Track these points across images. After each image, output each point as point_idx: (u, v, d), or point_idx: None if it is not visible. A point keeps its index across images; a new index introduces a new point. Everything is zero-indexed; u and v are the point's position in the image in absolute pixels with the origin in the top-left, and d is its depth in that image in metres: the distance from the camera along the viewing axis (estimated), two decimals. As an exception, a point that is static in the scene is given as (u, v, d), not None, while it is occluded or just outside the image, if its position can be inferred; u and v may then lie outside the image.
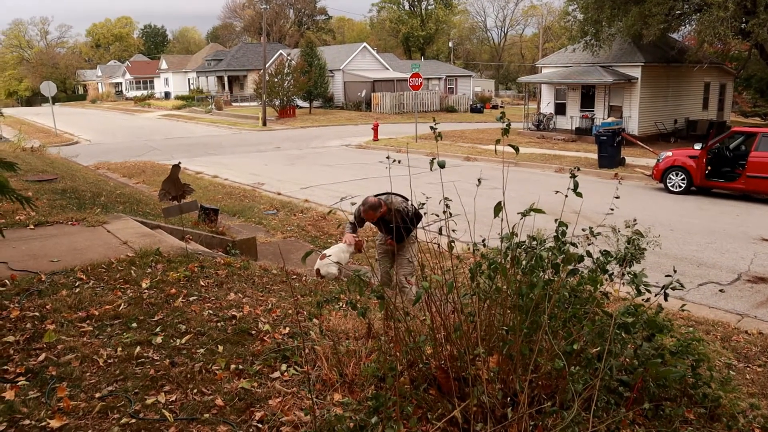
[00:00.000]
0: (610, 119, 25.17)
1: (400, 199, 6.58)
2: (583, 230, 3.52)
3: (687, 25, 25.55)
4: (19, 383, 3.52)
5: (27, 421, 3.13)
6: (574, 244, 3.40)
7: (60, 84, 77.71)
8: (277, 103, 40.67)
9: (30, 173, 11.95)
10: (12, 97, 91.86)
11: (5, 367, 3.72)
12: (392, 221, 6.43)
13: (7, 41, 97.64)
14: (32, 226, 7.38)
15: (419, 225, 6.57)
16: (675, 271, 3.58)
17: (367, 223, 7.00)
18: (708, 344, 5.49)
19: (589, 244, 3.44)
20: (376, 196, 6.63)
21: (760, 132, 14.56)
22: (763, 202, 13.98)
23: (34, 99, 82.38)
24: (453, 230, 3.32)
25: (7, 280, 5.21)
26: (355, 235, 6.97)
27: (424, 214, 3.52)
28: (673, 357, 3.48)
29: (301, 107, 45.22)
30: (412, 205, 6.62)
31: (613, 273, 3.48)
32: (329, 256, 7.05)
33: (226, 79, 60.02)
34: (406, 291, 6.38)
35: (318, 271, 7.23)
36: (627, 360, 3.43)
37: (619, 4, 23.16)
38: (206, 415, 3.27)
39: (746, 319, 7.22)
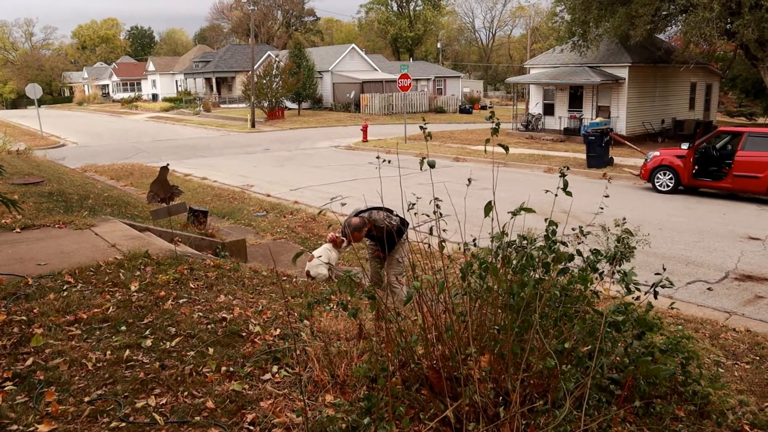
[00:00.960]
0: (598, 119, 25.32)
1: (384, 214, 6.53)
2: (573, 229, 3.53)
3: (673, 26, 25.71)
4: (7, 388, 3.49)
5: (15, 427, 3.10)
6: (564, 243, 3.41)
7: (46, 86, 77.08)
8: (266, 104, 40.55)
9: (16, 176, 11.85)
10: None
11: (-8, 372, 3.68)
12: (378, 234, 6.43)
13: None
14: (18, 230, 7.32)
15: (413, 222, 6.56)
16: (664, 269, 3.60)
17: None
18: (697, 342, 5.53)
19: (579, 243, 3.45)
20: (358, 214, 6.58)
21: (746, 131, 14.69)
22: (749, 200, 14.10)
23: (20, 101, 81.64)
24: (444, 230, 3.32)
25: (-7, 284, 5.15)
26: (337, 235, 6.99)
27: (414, 214, 3.51)
28: (663, 355, 3.50)
29: (289, 109, 45.13)
30: (396, 216, 6.59)
31: (603, 272, 3.50)
32: (319, 257, 7.04)
33: (214, 80, 59.79)
34: (397, 291, 6.38)
35: (308, 272, 7.22)
36: (618, 358, 3.45)
37: (606, 4, 23.29)
38: (197, 418, 3.25)
39: (734, 317, 7.27)
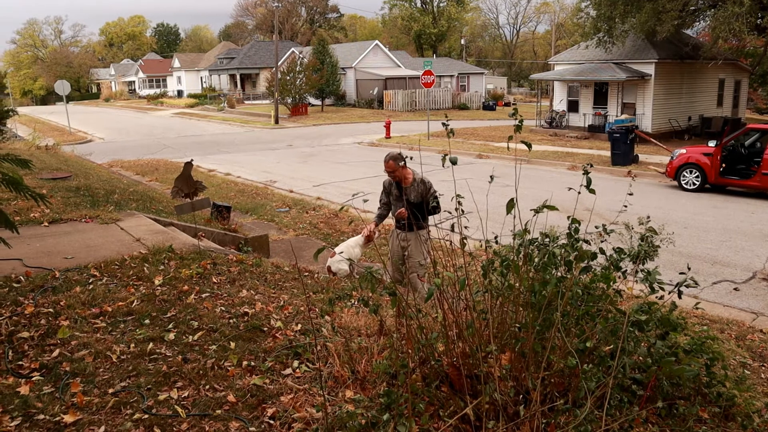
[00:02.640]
0: (623, 116, 24.99)
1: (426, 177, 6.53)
2: (596, 227, 3.50)
3: (701, 21, 25.28)
4: (34, 378, 3.56)
5: (41, 416, 3.16)
6: (587, 242, 3.37)
7: (74, 83, 78.21)
8: (290, 101, 40.71)
9: (44, 171, 12.06)
10: (27, 96, 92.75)
11: (20, 363, 3.76)
12: (411, 194, 6.37)
13: (22, 41, 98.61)
14: (46, 224, 7.45)
15: (434, 219, 6.44)
16: (689, 269, 3.55)
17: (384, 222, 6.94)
18: (722, 343, 5.45)
19: (602, 242, 3.42)
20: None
21: (775, 129, 14.41)
22: (778, 199, 13.83)
23: (49, 98, 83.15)
24: (465, 227, 3.31)
25: (21, 277, 5.26)
26: (372, 229, 6.93)
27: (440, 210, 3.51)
28: (687, 355, 3.45)
29: (313, 105, 45.26)
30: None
31: (626, 270, 3.45)
32: (340, 252, 7.06)
33: (238, 77, 60.18)
34: (418, 289, 6.37)
35: (329, 268, 7.26)
36: (640, 358, 3.40)
37: (632, 0, 22.97)
38: (218, 411, 3.29)
39: (761, 318, 7.15)
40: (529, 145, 3.22)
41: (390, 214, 6.92)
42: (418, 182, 6.42)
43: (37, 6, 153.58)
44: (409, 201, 6.34)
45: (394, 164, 6.34)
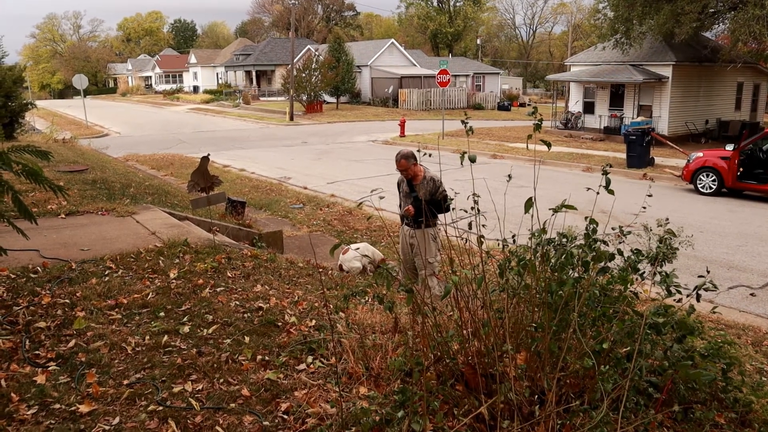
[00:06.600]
0: (639, 119, 24.79)
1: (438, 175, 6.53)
2: (613, 229, 3.47)
3: (721, 24, 25.00)
4: (50, 368, 3.59)
5: (57, 406, 3.19)
6: (605, 243, 3.35)
7: (91, 77, 78.84)
8: (305, 98, 40.78)
9: (62, 164, 12.16)
10: (45, 89, 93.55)
11: (37, 352, 3.79)
12: (420, 191, 6.37)
13: (41, 35, 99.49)
14: (63, 216, 7.51)
15: (445, 218, 6.42)
16: (708, 272, 3.51)
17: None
18: (739, 348, 5.39)
19: (619, 243, 3.39)
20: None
21: (795, 134, 14.23)
22: (797, 205, 13.66)
23: (66, 92, 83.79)
24: (483, 225, 3.29)
25: (39, 268, 5.31)
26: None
27: (452, 209, 3.50)
28: (704, 360, 3.41)
29: (328, 102, 45.29)
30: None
31: (644, 272, 3.42)
32: (357, 249, 7.07)
33: (254, 73, 60.35)
34: (430, 286, 6.35)
35: (341, 266, 7.26)
36: (657, 361, 3.38)
37: (650, 1, 22.76)
38: (232, 405, 3.30)
39: (778, 324, 7.06)
40: (549, 145, 3.20)
41: (399, 211, 6.93)
42: (428, 180, 6.44)
43: (57, 1, 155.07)
44: (418, 198, 6.35)
45: (407, 163, 6.38)
